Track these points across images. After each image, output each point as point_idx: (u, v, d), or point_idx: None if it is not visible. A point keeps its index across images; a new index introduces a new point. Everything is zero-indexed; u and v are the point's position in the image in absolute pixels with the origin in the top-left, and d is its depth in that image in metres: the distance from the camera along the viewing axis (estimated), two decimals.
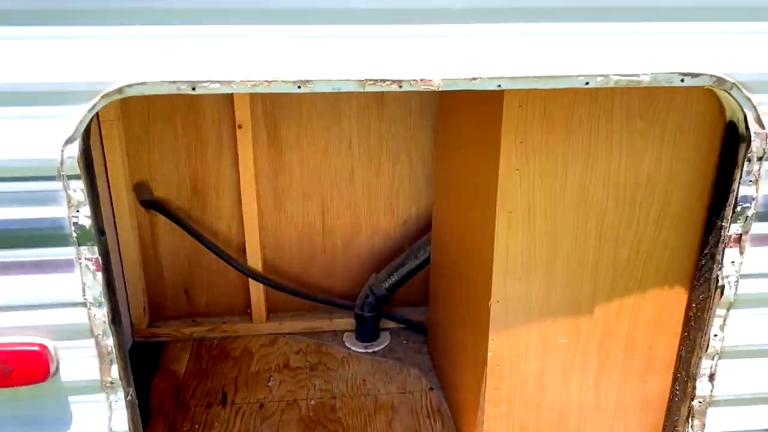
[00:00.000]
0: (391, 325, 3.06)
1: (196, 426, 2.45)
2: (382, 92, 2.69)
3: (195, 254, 2.89)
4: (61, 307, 1.55)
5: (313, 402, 2.58)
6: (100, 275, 1.53)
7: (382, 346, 2.94)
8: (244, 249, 2.89)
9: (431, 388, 2.67)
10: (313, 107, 2.73)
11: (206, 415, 2.50)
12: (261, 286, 2.93)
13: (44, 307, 1.55)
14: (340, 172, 2.85)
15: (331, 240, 2.97)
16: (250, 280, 2.91)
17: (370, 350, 2.92)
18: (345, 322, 3.02)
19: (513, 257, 1.81)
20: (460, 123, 2.19)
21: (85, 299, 1.55)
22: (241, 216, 2.84)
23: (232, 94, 2.61)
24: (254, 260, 2.90)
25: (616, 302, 1.88)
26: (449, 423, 2.47)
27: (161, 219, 2.81)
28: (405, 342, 2.99)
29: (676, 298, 1.86)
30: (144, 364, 2.74)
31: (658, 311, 1.88)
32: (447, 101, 2.40)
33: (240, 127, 2.65)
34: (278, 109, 2.71)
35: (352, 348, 2.93)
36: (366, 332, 2.95)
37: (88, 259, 1.52)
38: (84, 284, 1.53)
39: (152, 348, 2.88)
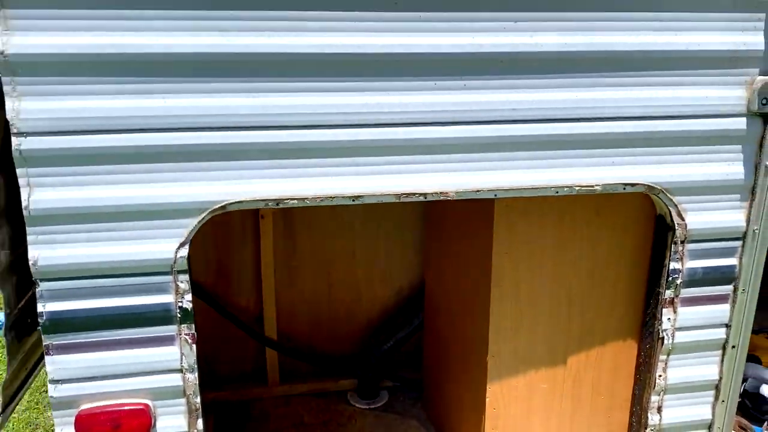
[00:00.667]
0: (388, 384, 3.50)
1: None
2: None
3: (218, 327, 3.29)
4: (162, 373, 1.97)
5: None
6: (194, 346, 1.97)
7: (382, 403, 3.38)
8: (260, 320, 3.32)
9: None
10: None
11: None
12: (275, 353, 3.35)
13: (149, 373, 1.96)
14: (344, 252, 3.34)
15: (335, 310, 3.43)
16: (266, 348, 3.33)
17: (372, 407, 3.34)
18: (348, 382, 3.45)
19: (504, 321, 2.33)
20: (451, 214, 2.73)
21: (182, 366, 1.97)
22: (259, 292, 3.28)
23: None
24: (270, 330, 3.32)
25: (584, 353, 2.40)
26: None
27: None
28: (402, 398, 3.43)
29: (630, 348, 2.40)
30: None
31: (616, 359, 2.41)
32: None
33: (263, 217, 3.13)
34: None
35: (357, 405, 3.35)
36: (368, 391, 3.38)
37: (186, 334, 1.95)
38: (182, 354, 1.96)
39: None
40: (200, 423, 2.04)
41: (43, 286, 1.82)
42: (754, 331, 2.38)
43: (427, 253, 3.21)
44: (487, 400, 2.40)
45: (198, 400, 2.01)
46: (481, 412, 2.44)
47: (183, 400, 2.01)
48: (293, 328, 3.41)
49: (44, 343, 1.87)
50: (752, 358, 3.17)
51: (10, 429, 4.79)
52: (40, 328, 2.15)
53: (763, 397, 3.12)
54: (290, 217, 3.24)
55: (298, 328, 3.41)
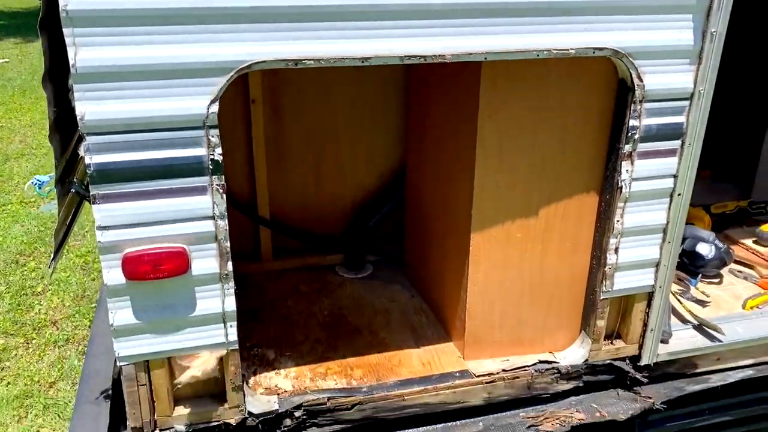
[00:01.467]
0: (372, 258, 3.84)
1: (241, 335, 3.12)
2: (363, 68, 3.46)
3: None
4: (196, 220, 2.22)
5: (326, 312, 3.33)
6: (225, 196, 2.22)
7: (367, 273, 3.73)
8: (252, 203, 3.57)
9: (413, 296, 3.49)
10: (307, 83, 3.45)
11: (246, 328, 3.16)
12: (269, 231, 3.62)
13: (185, 220, 2.21)
14: (329, 135, 3.59)
15: (322, 192, 3.70)
16: (260, 227, 3.60)
17: (359, 276, 3.69)
18: (335, 257, 3.78)
19: (487, 179, 2.65)
20: (434, 88, 3.00)
21: (214, 214, 2.23)
22: (250, 176, 3.52)
23: (247, 74, 3.28)
24: (263, 212, 3.58)
25: (553, 205, 2.76)
26: (431, 316, 3.31)
27: None
28: (384, 269, 3.78)
29: (592, 200, 2.77)
30: None
31: (580, 209, 2.78)
32: (419, 72, 3.22)
33: (254, 101, 3.33)
34: (280, 86, 3.41)
35: (345, 275, 3.69)
36: (355, 263, 3.73)
37: (218, 185, 2.20)
38: (214, 203, 2.21)
39: None
40: (230, 265, 2.32)
41: (89, 140, 2.02)
42: (691, 204, 2.77)
43: (409, 130, 3.49)
44: (470, 248, 2.75)
45: (228, 244, 2.28)
46: (465, 260, 2.80)
47: (215, 245, 2.27)
48: (284, 210, 3.68)
49: (91, 193, 2.09)
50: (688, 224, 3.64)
51: None
52: (72, 189, 2.38)
53: (698, 254, 3.60)
54: (278, 103, 3.45)
55: (288, 209, 3.69)
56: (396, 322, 3.27)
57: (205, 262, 2.28)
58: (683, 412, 3.18)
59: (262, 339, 3.11)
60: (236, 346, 2.44)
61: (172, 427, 2.49)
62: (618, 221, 2.68)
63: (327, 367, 2.91)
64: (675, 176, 2.65)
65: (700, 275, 3.60)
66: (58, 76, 2.07)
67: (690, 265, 3.62)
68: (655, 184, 2.65)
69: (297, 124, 3.52)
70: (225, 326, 2.39)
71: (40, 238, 6.27)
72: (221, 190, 2.20)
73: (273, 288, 3.55)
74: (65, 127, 2.15)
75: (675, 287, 3.47)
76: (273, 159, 3.55)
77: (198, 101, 2.07)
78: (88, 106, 1.98)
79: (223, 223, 2.25)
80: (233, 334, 2.41)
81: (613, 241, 2.71)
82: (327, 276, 3.68)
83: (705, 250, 3.60)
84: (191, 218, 2.21)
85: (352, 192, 3.75)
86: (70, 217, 2.41)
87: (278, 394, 2.71)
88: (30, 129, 9.44)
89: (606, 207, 2.72)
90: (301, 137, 3.55)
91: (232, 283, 2.35)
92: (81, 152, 2.09)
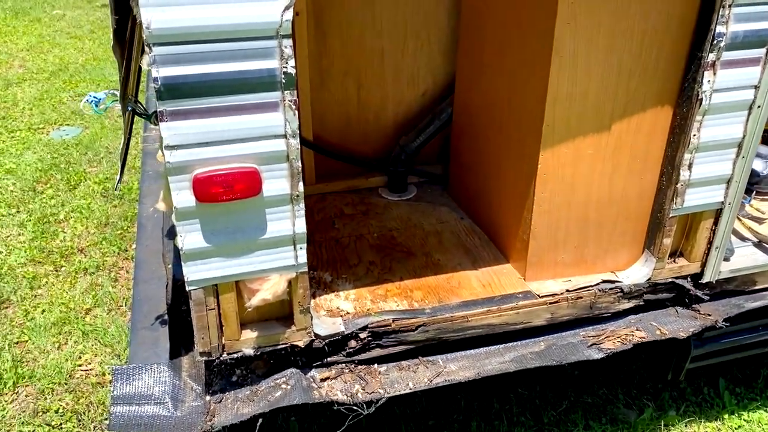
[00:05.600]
0: (415, 180, 3.74)
1: None
2: None
3: None
4: (268, 138, 2.09)
5: (375, 234, 3.26)
6: (297, 112, 2.09)
7: (412, 195, 3.63)
8: None
9: (462, 218, 3.41)
10: None
11: None
12: (311, 153, 3.50)
13: (256, 139, 2.08)
14: (372, 52, 3.41)
15: (364, 112, 3.55)
16: (302, 149, 3.46)
17: (404, 198, 3.60)
18: (378, 180, 3.67)
19: (560, 91, 2.51)
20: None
21: (285, 132, 2.10)
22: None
23: None
24: (306, 132, 3.44)
25: (626, 120, 2.64)
26: (484, 237, 3.23)
27: None
28: (429, 191, 3.69)
29: (666, 113, 2.64)
30: None
31: (653, 124, 2.66)
32: None
33: (298, 14, 3.12)
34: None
35: (389, 198, 3.60)
36: (398, 185, 3.62)
37: (290, 101, 2.06)
38: (286, 120, 2.08)
39: None
40: (301, 186, 2.21)
41: (156, 51, 1.87)
42: None
43: (460, 45, 3.31)
44: (539, 167, 2.64)
45: (299, 164, 2.17)
46: (530, 179, 2.70)
47: (286, 165, 2.16)
48: (326, 130, 3.54)
49: (159, 110, 1.95)
50: None
51: (25, 256, 4.89)
52: (129, 108, 2.24)
53: (753, 170, 3.50)
54: (321, 16, 3.25)
55: (330, 130, 3.54)
56: (448, 243, 3.20)
57: (277, 182, 2.17)
58: (737, 328, 3.17)
59: (317, 262, 3.04)
60: (305, 269, 2.36)
61: (240, 351, 2.45)
62: (694, 135, 2.57)
63: (386, 288, 2.86)
64: (756, 87, 2.53)
65: (754, 192, 3.52)
66: None
67: None
68: (736, 95, 2.52)
69: (340, 39, 3.33)
70: (295, 248, 2.31)
71: (54, 165, 6.11)
72: (294, 107, 2.07)
73: (318, 211, 3.46)
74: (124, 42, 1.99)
75: None
76: (315, 76, 3.38)
77: (272, 7, 1.91)
78: (154, 14, 1.81)
79: (295, 142, 2.12)
80: (303, 257, 2.33)
81: (687, 156, 2.61)
82: (371, 198, 3.59)
83: (760, 166, 3.51)
84: (263, 137, 2.09)
85: (394, 109, 3.60)
86: (127, 135, 2.28)
87: (341, 317, 2.67)
88: (28, 53, 9.08)
89: (681, 120, 2.60)
90: (343, 53, 3.37)
91: (302, 205, 2.25)
92: (144, 65, 1.94)
